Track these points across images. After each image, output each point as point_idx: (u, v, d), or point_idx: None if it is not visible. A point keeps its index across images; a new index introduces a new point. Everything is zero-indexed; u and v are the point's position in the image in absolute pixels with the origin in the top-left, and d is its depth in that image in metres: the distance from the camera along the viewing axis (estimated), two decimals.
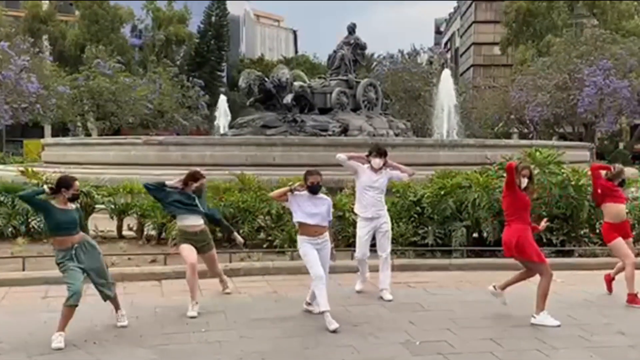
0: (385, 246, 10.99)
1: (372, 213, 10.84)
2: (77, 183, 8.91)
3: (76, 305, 8.45)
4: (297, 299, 10.13)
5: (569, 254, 13.45)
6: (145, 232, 14.79)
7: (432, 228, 13.77)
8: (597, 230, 14.33)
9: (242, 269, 12.08)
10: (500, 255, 13.06)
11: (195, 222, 10.21)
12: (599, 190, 10.98)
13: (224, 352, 8.11)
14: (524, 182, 9.75)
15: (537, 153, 14.73)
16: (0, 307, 9.92)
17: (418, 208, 14.08)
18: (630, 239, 11.16)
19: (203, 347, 8.25)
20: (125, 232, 15.06)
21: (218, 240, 14.13)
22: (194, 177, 10.26)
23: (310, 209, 9.49)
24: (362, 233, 10.93)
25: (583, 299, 10.81)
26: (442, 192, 13.89)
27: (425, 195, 14.03)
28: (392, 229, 13.59)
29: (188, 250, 10.09)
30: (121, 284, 11.09)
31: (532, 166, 10.55)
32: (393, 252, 13.29)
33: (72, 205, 8.81)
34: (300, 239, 9.65)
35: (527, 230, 9.67)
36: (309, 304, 9.82)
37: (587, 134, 58.41)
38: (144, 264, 12.46)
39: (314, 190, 9.52)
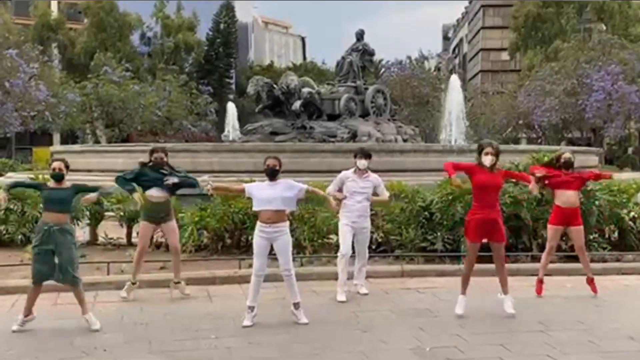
0: (365, 252, 11.38)
1: (356, 217, 11.05)
2: (54, 164, 9.62)
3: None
4: (306, 305, 10.13)
5: (578, 258, 13.40)
6: (154, 239, 14.79)
7: (441, 234, 13.74)
8: (607, 235, 14.32)
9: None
10: (510, 260, 13.09)
11: (157, 193, 10.90)
12: (547, 182, 11.33)
13: (233, 358, 8.12)
14: (487, 159, 9.90)
15: (545, 158, 14.69)
16: (10, 315, 9.94)
17: (427, 213, 14.06)
18: (580, 227, 11.27)
19: (212, 353, 8.26)
20: (134, 240, 15.04)
21: (227, 247, 14.20)
22: (150, 152, 11.19)
23: (265, 195, 9.55)
24: (345, 230, 11.11)
25: (592, 304, 10.79)
26: (451, 198, 13.87)
27: (434, 201, 14.01)
28: (401, 234, 13.69)
29: (143, 235, 11.19)
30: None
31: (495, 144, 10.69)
32: (402, 257, 13.34)
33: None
34: (257, 224, 9.75)
35: (474, 210, 10.06)
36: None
37: (595, 139, 58.34)
38: (153, 271, 12.49)
39: (270, 174, 9.63)
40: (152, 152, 11.20)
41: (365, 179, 11.11)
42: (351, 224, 11.05)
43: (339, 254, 11.22)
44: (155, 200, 10.93)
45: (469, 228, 10.11)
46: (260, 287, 9.72)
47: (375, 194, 11.37)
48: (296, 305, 9.67)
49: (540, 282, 11.33)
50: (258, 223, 9.67)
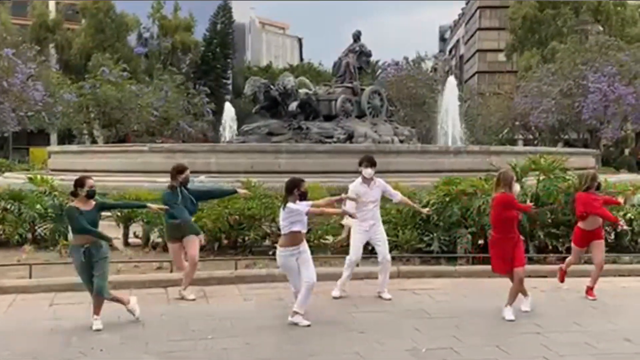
0: (386, 253, 11.28)
1: (369, 225, 11.12)
2: (89, 181, 9.50)
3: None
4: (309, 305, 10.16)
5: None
6: (151, 240, 14.80)
7: (438, 235, 13.73)
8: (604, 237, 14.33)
9: (248, 276, 12.09)
10: None
11: (179, 214, 10.95)
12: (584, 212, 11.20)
13: (229, 358, 8.13)
14: (518, 187, 9.99)
15: (542, 160, 14.72)
16: (7, 315, 9.95)
17: (423, 215, 14.07)
18: (602, 241, 11.43)
19: (209, 354, 8.26)
20: (131, 240, 15.08)
21: (223, 248, 14.20)
22: (178, 170, 11.14)
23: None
24: (358, 238, 11.23)
25: (589, 306, 10.80)
26: (448, 199, 13.88)
27: (431, 202, 14.01)
28: (397, 235, 13.69)
29: (176, 255, 11.33)
30: (127, 291, 11.12)
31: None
32: (398, 259, 13.34)
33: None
34: (283, 251, 9.70)
35: (494, 241, 10.23)
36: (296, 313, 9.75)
37: (592, 140, 58.40)
38: (150, 271, 12.49)
39: (303, 196, 9.74)
40: (179, 172, 11.15)
41: (374, 186, 11.13)
42: (367, 231, 11.15)
43: (349, 259, 11.26)
44: (175, 223, 10.99)
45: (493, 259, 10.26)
46: None
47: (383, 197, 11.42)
48: (295, 313, 9.64)
49: (564, 272, 11.63)
50: (286, 248, 9.65)
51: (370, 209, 11.05)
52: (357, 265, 11.52)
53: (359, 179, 11.15)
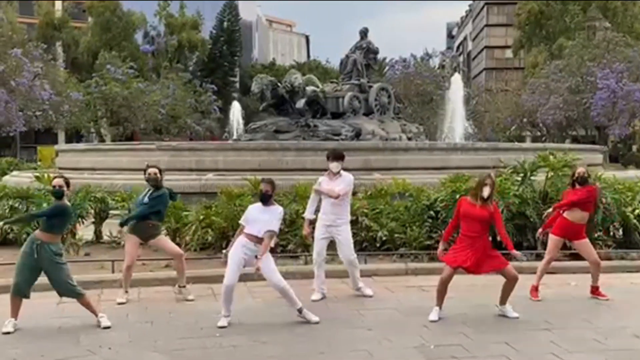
0: (347, 253, 11.01)
1: (330, 220, 10.86)
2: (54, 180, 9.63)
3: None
4: (311, 303, 10.14)
5: (583, 257, 13.37)
6: None
7: None
8: (612, 233, 14.30)
9: (255, 274, 12.05)
10: (514, 259, 13.05)
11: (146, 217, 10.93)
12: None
13: (238, 356, 8.14)
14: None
15: (551, 157, 14.66)
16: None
17: (432, 212, 14.05)
18: (585, 240, 11.24)
19: (217, 352, 8.27)
20: None
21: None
22: (144, 171, 11.31)
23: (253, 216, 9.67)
24: (319, 234, 10.95)
25: (597, 302, 10.77)
26: (457, 196, 13.85)
27: (439, 199, 14.00)
28: (405, 232, 13.64)
29: (129, 250, 10.95)
30: (136, 290, 11.14)
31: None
32: (406, 256, 13.31)
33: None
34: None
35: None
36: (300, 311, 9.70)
37: (600, 137, 58.20)
38: (157, 269, 12.50)
39: (262, 199, 9.70)
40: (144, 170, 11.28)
41: (336, 180, 10.85)
42: (327, 227, 10.88)
43: (313, 258, 11.17)
44: (142, 223, 10.92)
45: None
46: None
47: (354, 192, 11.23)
48: (298, 311, 9.63)
49: (536, 288, 11.16)
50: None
51: (330, 203, 10.79)
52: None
53: (327, 172, 10.98)
